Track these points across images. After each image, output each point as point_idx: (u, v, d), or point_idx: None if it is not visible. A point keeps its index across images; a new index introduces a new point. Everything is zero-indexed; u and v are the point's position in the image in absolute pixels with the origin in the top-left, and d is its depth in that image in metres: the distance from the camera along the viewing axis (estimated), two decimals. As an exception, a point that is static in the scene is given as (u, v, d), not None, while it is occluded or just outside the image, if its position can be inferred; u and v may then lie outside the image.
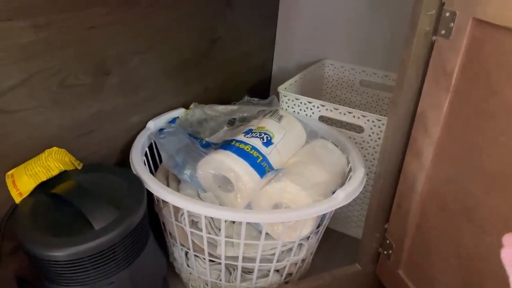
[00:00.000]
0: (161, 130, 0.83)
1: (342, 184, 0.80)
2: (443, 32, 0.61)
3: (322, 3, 1.17)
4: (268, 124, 0.79)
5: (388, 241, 0.77)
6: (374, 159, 0.93)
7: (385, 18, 1.11)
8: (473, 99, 0.57)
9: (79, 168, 0.71)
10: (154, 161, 0.84)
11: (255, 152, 0.73)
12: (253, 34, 1.16)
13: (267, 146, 0.75)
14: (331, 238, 1.02)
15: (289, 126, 0.81)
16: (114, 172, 0.71)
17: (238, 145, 0.73)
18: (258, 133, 0.76)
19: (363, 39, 1.15)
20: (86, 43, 0.69)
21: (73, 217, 0.62)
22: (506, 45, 0.51)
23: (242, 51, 1.12)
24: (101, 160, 0.78)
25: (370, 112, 1.20)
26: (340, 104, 1.25)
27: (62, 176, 0.68)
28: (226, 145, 0.74)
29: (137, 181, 0.69)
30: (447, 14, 0.60)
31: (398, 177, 0.73)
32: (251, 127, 0.78)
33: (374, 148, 0.92)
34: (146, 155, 0.81)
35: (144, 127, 0.85)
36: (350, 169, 0.81)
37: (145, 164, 0.77)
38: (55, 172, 0.67)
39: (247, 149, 0.73)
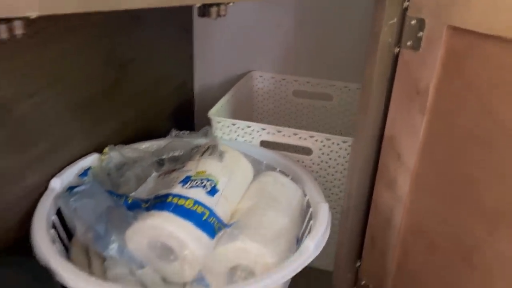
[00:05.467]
0: (70, 188, 0.65)
1: (302, 222, 0.68)
2: (409, 43, 0.51)
3: (241, 10, 1.04)
4: (209, 166, 0.64)
5: (363, 282, 0.67)
6: (326, 181, 0.83)
7: (311, 25, 1.02)
8: (459, 122, 0.48)
9: (-42, 266, 0.51)
10: (66, 228, 0.65)
11: (199, 207, 0.58)
12: (169, 51, 1.00)
13: (212, 196, 0.61)
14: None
15: (234, 163, 0.68)
16: (10, 266, 0.52)
17: (176, 201, 0.58)
18: (199, 181, 0.61)
19: (291, 47, 1.05)
20: None
21: None
22: (499, 57, 0.43)
23: (158, 72, 0.96)
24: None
25: (309, 124, 1.13)
26: (274, 119, 1.15)
27: None
28: (161, 203, 0.59)
29: (46, 276, 0.51)
30: (413, 22, 0.50)
31: (369, 208, 0.63)
32: (189, 174, 0.63)
33: (325, 170, 0.82)
34: (54, 225, 0.62)
35: (46, 188, 0.66)
36: (308, 202, 0.70)
37: (54, 241, 0.59)
38: None
39: (189, 205, 0.58)
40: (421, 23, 0.49)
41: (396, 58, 0.54)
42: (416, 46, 0.50)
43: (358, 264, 0.68)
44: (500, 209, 0.45)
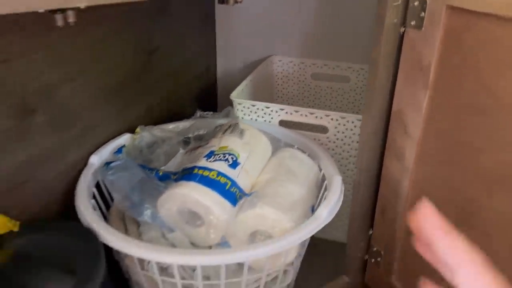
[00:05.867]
0: (107, 164, 0.72)
1: (318, 194, 0.74)
2: (413, 23, 0.55)
3: (261, -4, 1.09)
4: (231, 142, 0.70)
5: (375, 249, 0.72)
6: (342, 158, 0.88)
7: (328, 9, 1.05)
8: (459, 95, 0.52)
9: (16, 229, 0.59)
10: (104, 199, 0.73)
11: (222, 177, 0.64)
12: (192, 38, 1.06)
13: (234, 168, 0.67)
14: (309, 243, 0.96)
15: (253, 140, 0.73)
16: (59, 228, 0.60)
17: (201, 172, 0.64)
18: (222, 155, 0.67)
19: (309, 31, 1.10)
20: (1, 80, 0.57)
21: (17, 295, 0.50)
22: (494, 34, 0.46)
23: (183, 59, 1.02)
24: (40, 213, 0.66)
25: (327, 106, 1.17)
26: (294, 101, 1.20)
27: (-5, 244, 0.56)
28: (188, 174, 0.65)
29: (90, 236, 0.58)
30: (416, 3, 0.54)
31: (379, 180, 0.68)
32: (212, 149, 0.69)
33: (341, 147, 0.87)
34: (94, 196, 0.70)
35: (86, 164, 0.73)
36: (323, 176, 0.75)
37: (95, 209, 0.66)
38: (-15, 240, 0.55)
39: (213, 175, 0.64)
40: (423, 4, 0.53)
41: (402, 37, 0.58)
42: (419, 26, 0.54)
43: (370, 232, 0.73)
44: (496, 173, 0.50)
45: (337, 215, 0.91)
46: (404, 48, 0.57)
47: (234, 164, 0.67)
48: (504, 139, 0.48)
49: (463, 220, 0.55)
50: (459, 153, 0.54)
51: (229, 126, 0.75)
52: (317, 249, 0.95)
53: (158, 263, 0.60)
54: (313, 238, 0.95)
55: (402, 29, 0.57)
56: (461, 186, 0.55)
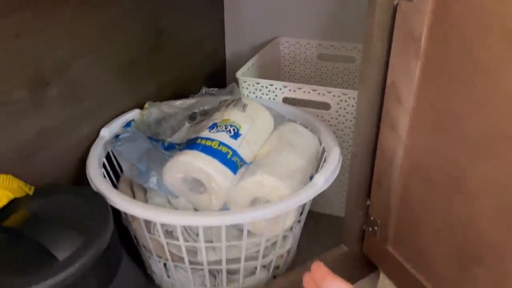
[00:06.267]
0: (117, 136, 0.76)
1: (317, 166, 0.77)
2: (405, -6, 0.57)
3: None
4: (233, 115, 0.73)
5: (372, 218, 0.74)
6: (344, 134, 0.90)
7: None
8: (446, 64, 0.54)
9: (31, 193, 0.63)
10: (114, 171, 0.77)
11: (224, 147, 0.67)
12: (201, 20, 1.09)
13: (235, 139, 0.70)
14: (311, 218, 0.99)
15: (255, 113, 0.76)
16: (71, 192, 0.64)
17: (204, 142, 0.68)
18: (224, 126, 0.71)
19: (315, 12, 1.11)
20: (15, 53, 0.61)
21: (33, 251, 0.55)
22: (482, 3, 0.48)
23: (191, 40, 1.05)
24: (54, 181, 0.71)
25: (333, 86, 1.19)
26: (300, 82, 1.22)
27: (12, 206, 0.60)
28: (192, 144, 0.69)
29: (99, 199, 0.63)
30: (407, -25, 0.56)
31: (375, 152, 0.70)
32: (215, 121, 0.72)
33: (343, 123, 0.89)
34: (105, 166, 0.74)
35: (97, 136, 0.77)
36: (324, 149, 0.78)
37: (105, 177, 0.70)
38: (3, 202, 0.59)
39: (215, 145, 0.67)
40: (414, -25, 0.55)
41: (395, 10, 0.60)
42: (410, -3, 0.56)
43: (368, 202, 0.75)
44: (481, 140, 0.51)
45: (338, 191, 0.94)
46: (397, 20, 0.59)
47: (236, 135, 0.70)
48: (487, 107, 0.50)
49: (453, 186, 0.57)
50: (447, 121, 0.56)
51: (232, 101, 0.78)
52: (318, 222, 0.98)
53: (163, 225, 0.64)
54: (315, 212, 0.99)
55: (395, 2, 0.59)
56: (450, 154, 0.57)
